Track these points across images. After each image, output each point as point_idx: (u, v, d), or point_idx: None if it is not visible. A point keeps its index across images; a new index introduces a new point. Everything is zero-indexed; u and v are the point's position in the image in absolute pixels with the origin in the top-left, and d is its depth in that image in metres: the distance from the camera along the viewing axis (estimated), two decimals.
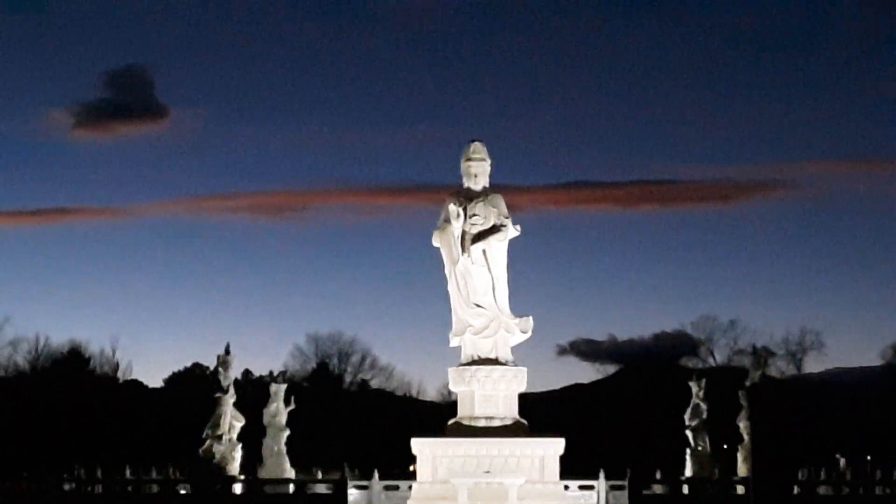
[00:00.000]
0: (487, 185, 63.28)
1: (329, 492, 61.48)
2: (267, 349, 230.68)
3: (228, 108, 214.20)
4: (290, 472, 67.60)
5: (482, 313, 61.63)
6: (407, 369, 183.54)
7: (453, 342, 62.70)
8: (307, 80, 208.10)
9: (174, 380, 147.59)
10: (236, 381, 65.38)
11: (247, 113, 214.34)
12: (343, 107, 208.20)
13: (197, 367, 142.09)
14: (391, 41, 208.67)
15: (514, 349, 62.59)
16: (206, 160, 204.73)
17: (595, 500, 65.54)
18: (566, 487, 62.22)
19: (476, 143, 63.48)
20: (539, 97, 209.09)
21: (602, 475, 65.29)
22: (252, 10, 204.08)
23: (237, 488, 61.82)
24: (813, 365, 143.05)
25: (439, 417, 70.38)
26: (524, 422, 61.81)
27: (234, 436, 64.25)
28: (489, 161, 63.51)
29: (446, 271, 62.40)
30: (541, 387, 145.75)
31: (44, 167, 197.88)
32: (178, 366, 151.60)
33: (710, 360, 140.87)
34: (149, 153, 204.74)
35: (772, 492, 55.43)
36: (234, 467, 63.70)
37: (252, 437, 67.90)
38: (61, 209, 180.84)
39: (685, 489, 62.73)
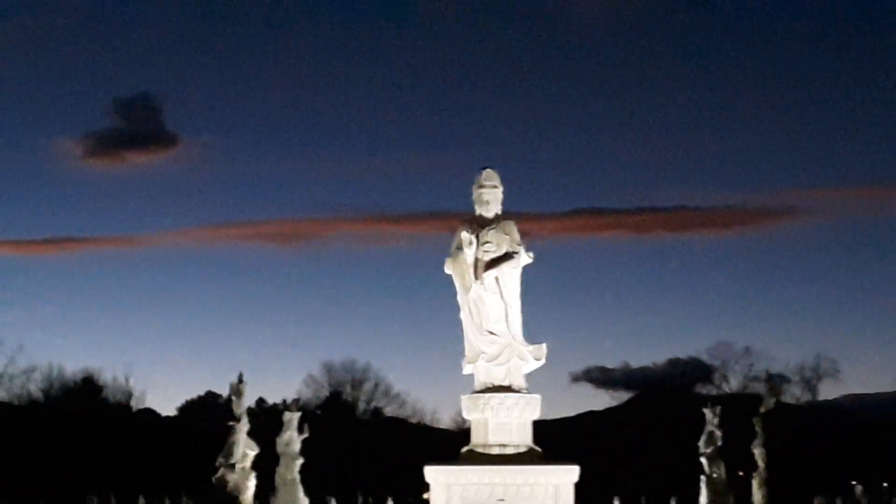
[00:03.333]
0: (500, 213, 63.11)
1: None
2: (280, 377, 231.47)
3: (238, 136, 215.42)
4: (304, 501, 67.52)
5: (495, 340, 61.42)
6: (420, 397, 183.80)
7: (466, 369, 62.49)
8: (317, 107, 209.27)
9: (187, 408, 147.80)
10: (250, 410, 65.35)
11: (257, 141, 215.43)
12: (353, 134, 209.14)
13: (210, 396, 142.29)
14: (400, 69, 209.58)
15: (528, 376, 62.31)
16: (217, 188, 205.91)
17: None
18: None
19: (488, 169, 63.34)
20: (551, 124, 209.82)
21: (617, 502, 65.12)
22: (261, 39, 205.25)
23: None
24: (828, 391, 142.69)
25: (453, 445, 70.13)
26: (538, 449, 61.56)
27: (248, 464, 64.17)
28: (501, 188, 63.32)
29: (459, 298, 62.25)
30: (554, 414, 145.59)
31: (54, 196, 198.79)
32: (192, 394, 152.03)
33: (725, 387, 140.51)
34: (159, 182, 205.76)
35: None
36: (248, 496, 63.61)
37: (265, 465, 67.83)
38: (72, 238, 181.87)
39: None
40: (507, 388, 62.80)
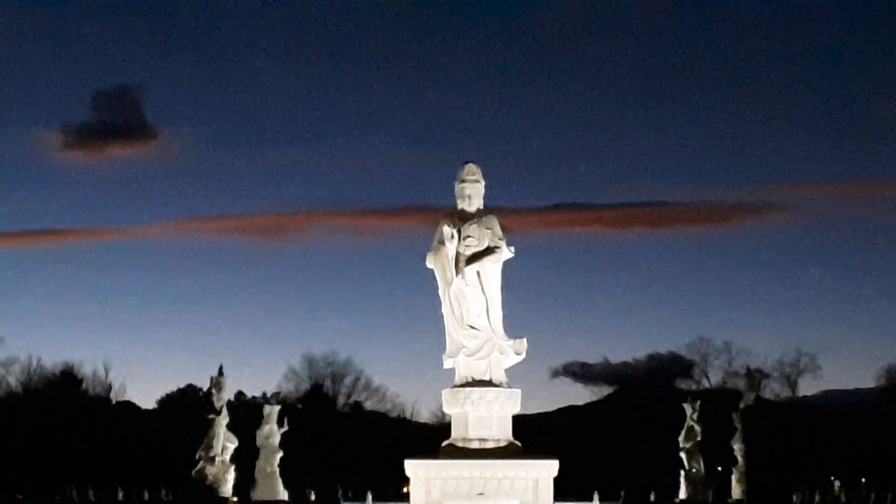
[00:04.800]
0: (482, 207, 63.35)
1: None
2: (260, 370, 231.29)
3: (218, 128, 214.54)
4: (284, 494, 67.52)
5: (476, 335, 61.56)
6: (401, 391, 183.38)
7: (447, 364, 62.62)
8: (298, 101, 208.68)
9: (167, 401, 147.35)
10: (229, 403, 65.45)
11: (237, 134, 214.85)
12: (334, 128, 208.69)
13: (190, 389, 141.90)
14: (381, 63, 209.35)
15: (508, 371, 62.53)
16: (197, 181, 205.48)
17: None
18: None
19: (470, 164, 63.39)
20: (532, 119, 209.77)
21: (596, 497, 65.34)
22: (241, 31, 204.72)
23: None
24: (807, 387, 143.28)
25: (433, 439, 70.23)
26: (518, 444, 61.72)
27: (227, 457, 64.19)
28: (483, 182, 63.46)
29: (440, 293, 62.35)
30: (535, 409, 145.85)
31: (32, 188, 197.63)
32: (172, 387, 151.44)
33: (705, 382, 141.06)
34: (138, 174, 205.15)
35: None
36: (227, 489, 63.62)
37: (245, 458, 67.80)
38: (51, 231, 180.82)
39: None
40: (488, 383, 62.90)
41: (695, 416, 70.69)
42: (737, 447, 66.94)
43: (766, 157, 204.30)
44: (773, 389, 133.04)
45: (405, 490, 69.50)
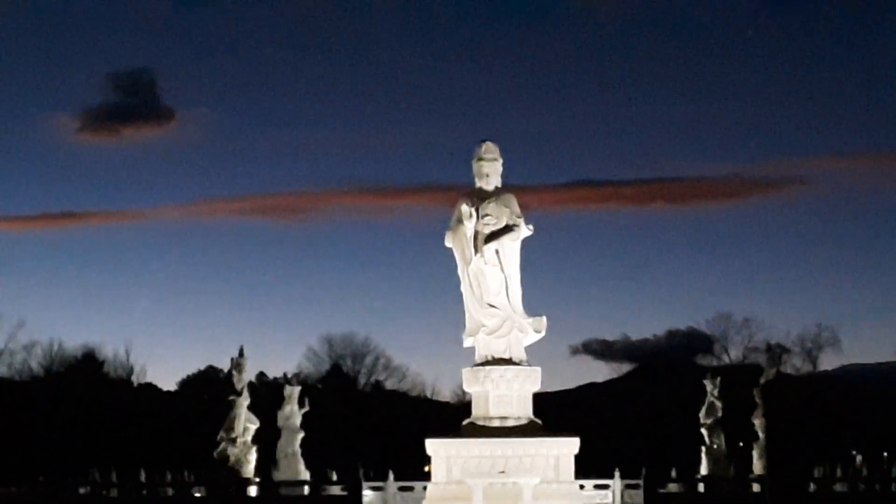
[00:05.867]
0: (500, 185, 63.32)
1: (344, 493, 61.54)
2: (281, 351, 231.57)
3: (234, 109, 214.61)
4: (305, 474, 67.74)
5: (495, 313, 61.64)
6: (421, 370, 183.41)
7: (467, 342, 62.73)
8: (315, 81, 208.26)
9: (188, 383, 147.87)
10: (250, 384, 65.64)
11: (253, 114, 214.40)
12: (350, 107, 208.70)
13: (211, 370, 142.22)
14: (398, 41, 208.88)
15: (528, 349, 62.60)
16: (214, 162, 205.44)
17: (610, 499, 65.61)
18: (581, 487, 62.22)
19: (488, 142, 63.43)
20: (547, 96, 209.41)
21: (617, 474, 65.33)
22: (255, 11, 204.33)
23: (252, 491, 61.93)
24: (828, 362, 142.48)
25: (454, 418, 70.45)
26: (538, 421, 61.82)
27: (249, 438, 64.41)
28: (501, 160, 63.48)
29: (459, 272, 62.43)
30: (555, 386, 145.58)
31: (50, 172, 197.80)
32: (192, 369, 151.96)
33: (725, 358, 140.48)
34: (156, 156, 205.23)
35: (788, 489, 55.41)
36: (249, 470, 63.84)
37: (267, 439, 68.05)
38: (70, 213, 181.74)
39: (701, 487, 62.70)
40: (508, 361, 62.99)
41: (715, 392, 70.59)
42: (757, 423, 66.79)
43: (785, 131, 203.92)
44: (794, 364, 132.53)
45: (426, 469, 69.62)
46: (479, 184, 64.01)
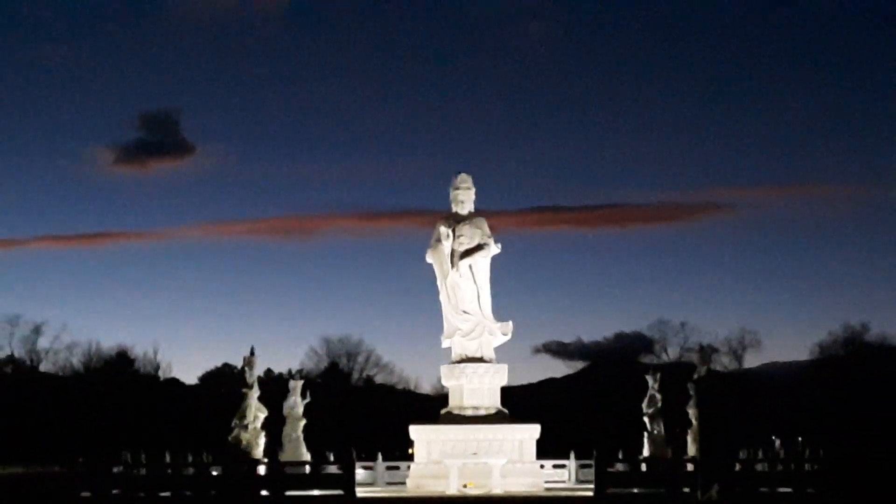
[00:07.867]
0: (473, 210, 63.58)
1: (340, 472, 61.27)
2: (286, 351, 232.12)
3: (246, 144, 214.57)
4: (307, 456, 67.37)
5: (469, 318, 61.84)
6: (406, 367, 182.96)
7: (444, 343, 62.90)
8: (313, 120, 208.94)
9: (207, 378, 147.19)
10: (260, 378, 65.10)
11: (262, 148, 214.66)
12: (344, 143, 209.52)
13: (227, 367, 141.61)
14: (383, 87, 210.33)
15: (497, 349, 62.79)
16: (229, 190, 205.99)
17: (567, 476, 65.77)
18: (542, 466, 62.37)
19: (462, 174, 63.95)
20: (515, 133, 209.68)
21: (572, 455, 65.54)
22: (262, 62, 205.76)
23: (261, 469, 61.59)
24: (751, 360, 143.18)
25: (433, 408, 70.44)
26: (506, 411, 61.95)
27: (258, 425, 63.97)
28: (474, 189, 63.95)
29: (438, 283, 62.63)
30: (519, 381, 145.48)
31: (87, 197, 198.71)
32: (211, 365, 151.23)
33: (664, 357, 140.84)
34: (178, 184, 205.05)
35: (717, 469, 55.47)
36: (259, 452, 63.42)
37: (274, 426, 67.64)
38: (105, 233, 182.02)
39: (643, 467, 62.68)
40: (479, 359, 63.03)
41: (656, 386, 70.57)
42: (691, 412, 66.66)
43: (709, 164, 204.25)
44: (723, 362, 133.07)
45: (410, 451, 69.56)
46: (455, 208, 64.29)
